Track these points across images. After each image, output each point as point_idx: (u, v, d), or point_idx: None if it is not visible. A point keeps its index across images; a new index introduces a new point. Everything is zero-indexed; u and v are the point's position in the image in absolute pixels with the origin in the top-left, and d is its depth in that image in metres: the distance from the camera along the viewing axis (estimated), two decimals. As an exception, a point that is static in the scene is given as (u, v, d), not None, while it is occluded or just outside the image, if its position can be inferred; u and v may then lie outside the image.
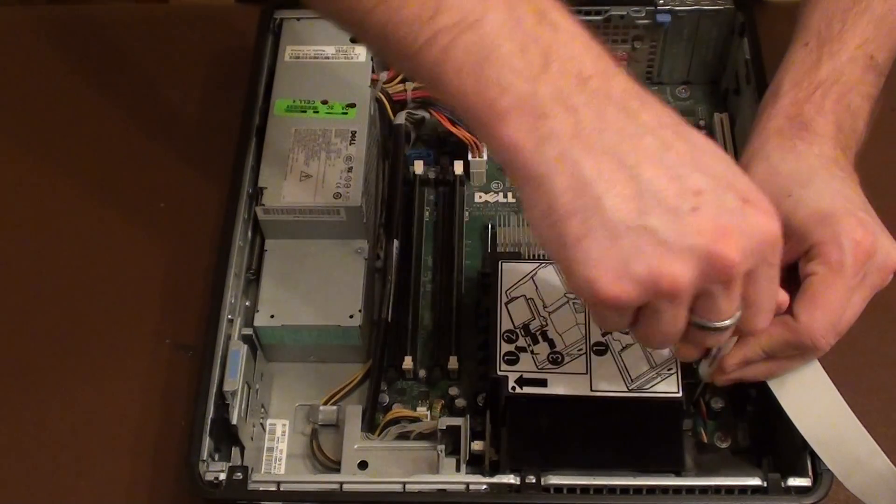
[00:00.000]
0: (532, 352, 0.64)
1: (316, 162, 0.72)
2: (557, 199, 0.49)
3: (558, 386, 0.63)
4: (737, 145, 0.79)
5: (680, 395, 0.63)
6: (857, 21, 0.66)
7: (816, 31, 0.66)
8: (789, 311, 0.58)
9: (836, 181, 0.61)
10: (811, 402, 0.62)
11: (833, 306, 0.58)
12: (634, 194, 0.48)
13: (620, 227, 0.48)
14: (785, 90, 0.65)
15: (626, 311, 0.51)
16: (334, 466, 0.67)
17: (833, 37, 0.65)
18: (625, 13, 0.81)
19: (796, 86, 0.65)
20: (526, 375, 0.64)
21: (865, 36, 0.65)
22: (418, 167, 0.80)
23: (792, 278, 0.59)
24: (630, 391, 0.63)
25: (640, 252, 0.48)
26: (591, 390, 0.63)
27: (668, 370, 0.63)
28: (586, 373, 0.64)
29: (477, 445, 0.66)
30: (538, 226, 0.50)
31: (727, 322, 0.52)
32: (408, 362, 0.71)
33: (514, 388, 0.63)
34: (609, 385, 0.63)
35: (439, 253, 0.77)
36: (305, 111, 0.75)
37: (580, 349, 0.64)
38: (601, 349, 0.64)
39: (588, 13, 0.80)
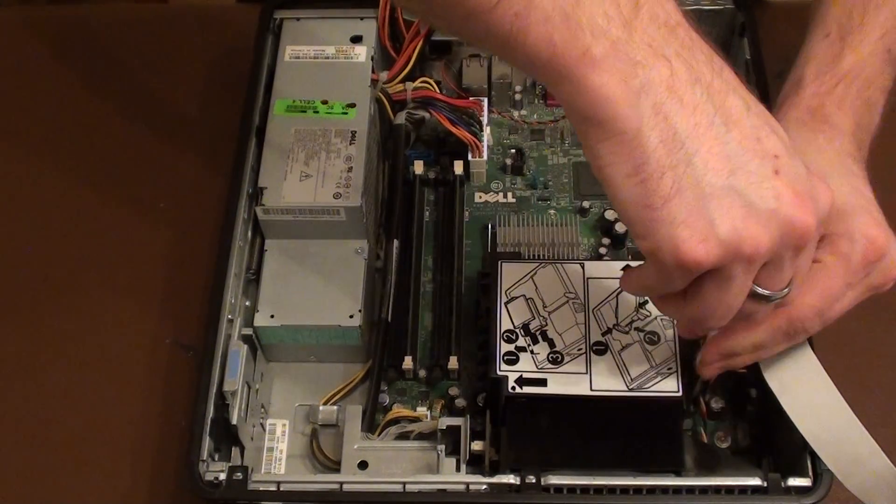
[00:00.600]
0: (532, 352, 0.64)
1: (316, 162, 0.72)
2: (650, 154, 0.47)
3: (558, 386, 0.63)
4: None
5: (680, 394, 0.63)
6: (877, 13, 0.65)
7: (837, 22, 0.66)
8: None
9: (853, 178, 0.61)
10: (811, 402, 0.62)
11: (826, 293, 0.58)
12: (723, 154, 0.48)
13: (709, 187, 0.47)
14: (808, 81, 0.64)
15: (694, 275, 0.50)
16: (334, 466, 0.67)
17: (854, 28, 0.65)
18: (625, 13, 0.80)
19: (818, 77, 0.64)
20: (526, 375, 0.64)
21: (886, 27, 0.65)
22: (418, 167, 0.80)
23: None
24: (630, 391, 0.63)
25: (727, 213, 0.48)
26: (591, 390, 0.63)
27: (668, 369, 0.63)
28: (586, 372, 0.64)
29: (477, 445, 0.66)
30: (621, 185, 0.48)
31: (784, 291, 0.52)
32: (408, 362, 0.71)
33: (513, 387, 0.63)
34: (609, 384, 0.63)
35: (439, 253, 0.77)
36: (305, 111, 0.75)
37: (580, 349, 0.64)
38: (601, 349, 0.64)
39: (588, 13, 0.80)
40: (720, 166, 0.48)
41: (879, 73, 0.65)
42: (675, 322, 0.64)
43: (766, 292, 0.52)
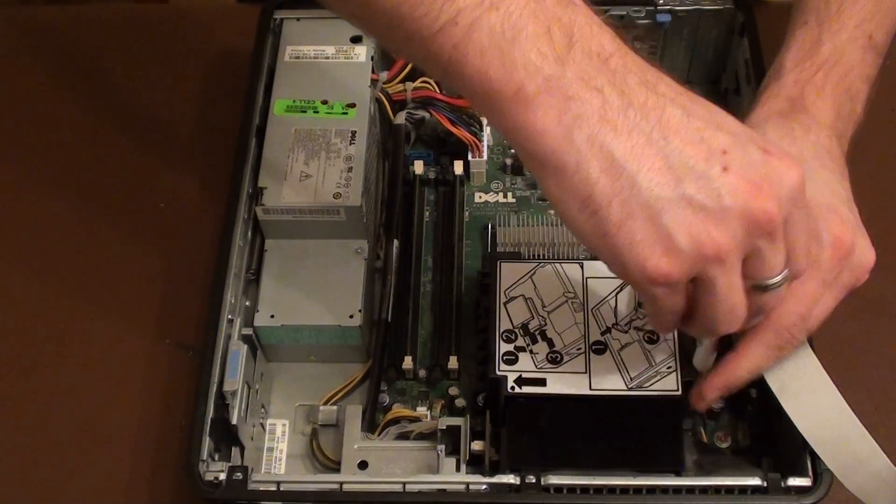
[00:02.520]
0: (531, 351, 0.64)
1: (316, 162, 0.72)
2: (594, 186, 0.48)
3: (557, 385, 0.63)
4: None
5: (679, 392, 0.63)
6: (854, 0, 0.65)
7: (815, 9, 0.66)
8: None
9: (825, 173, 0.60)
10: (811, 402, 0.62)
11: (804, 298, 0.58)
12: (666, 167, 0.48)
13: (659, 202, 0.48)
14: (787, 69, 0.65)
15: (679, 289, 0.51)
16: (334, 466, 0.67)
17: (832, 15, 0.65)
18: (625, 13, 0.81)
19: (798, 65, 0.64)
20: (525, 375, 0.64)
21: (864, 15, 0.65)
22: (418, 167, 0.80)
23: None
24: (629, 389, 0.63)
25: (682, 222, 0.48)
26: (591, 389, 0.63)
27: (668, 368, 0.63)
28: (585, 372, 0.64)
29: (477, 445, 0.66)
30: (575, 219, 0.50)
31: (781, 276, 0.52)
32: (408, 362, 0.71)
33: (513, 387, 0.63)
34: (608, 384, 0.63)
35: (439, 253, 0.77)
36: (305, 111, 0.75)
37: (579, 348, 0.64)
38: (600, 348, 0.64)
39: (588, 13, 0.80)
40: (666, 179, 0.48)
41: (860, 61, 0.64)
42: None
43: (764, 282, 0.52)
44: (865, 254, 0.59)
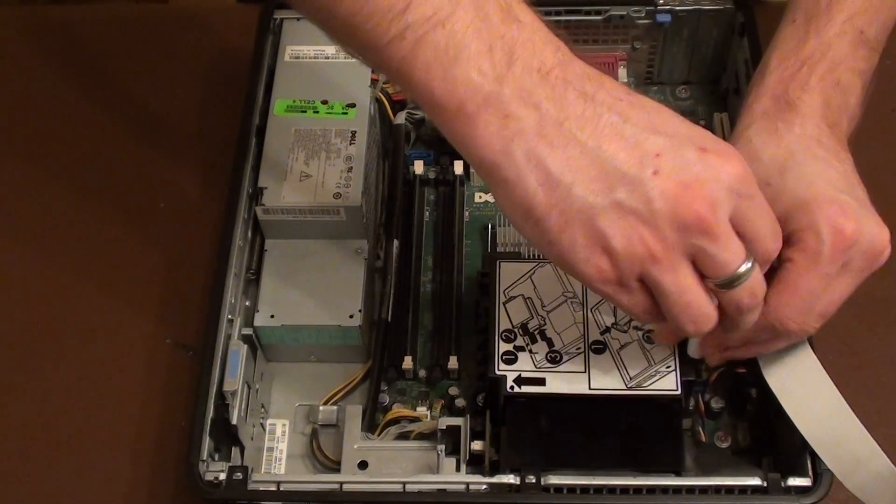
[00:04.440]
0: (530, 351, 0.64)
1: (316, 162, 0.73)
2: (532, 198, 0.50)
3: (557, 385, 0.63)
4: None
5: (679, 392, 0.63)
6: None
7: (804, 7, 0.66)
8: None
9: (816, 163, 0.60)
10: (811, 402, 0.62)
11: (803, 293, 0.57)
12: (600, 174, 0.50)
13: (594, 209, 0.50)
14: (771, 68, 0.65)
15: (631, 289, 0.52)
16: (334, 466, 0.67)
17: (820, 12, 0.65)
18: (625, 13, 0.81)
19: (782, 63, 0.64)
20: (524, 374, 0.64)
21: (853, 10, 0.64)
22: (418, 167, 0.80)
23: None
24: (629, 389, 0.63)
25: (616, 226, 0.50)
26: (590, 389, 0.63)
27: (667, 368, 0.63)
28: (585, 371, 0.64)
29: (477, 445, 0.66)
30: (522, 227, 0.52)
31: (741, 269, 0.52)
32: (408, 362, 0.71)
33: (512, 387, 0.63)
34: (607, 383, 0.63)
35: (439, 253, 0.77)
36: (305, 111, 0.75)
37: (578, 348, 0.64)
38: (599, 347, 0.64)
39: (588, 13, 0.81)
40: (600, 186, 0.50)
41: (849, 55, 0.64)
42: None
43: (721, 279, 0.52)
44: (875, 235, 0.58)
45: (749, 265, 0.53)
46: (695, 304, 0.53)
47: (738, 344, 0.61)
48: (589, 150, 0.50)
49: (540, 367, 0.64)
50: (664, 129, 0.51)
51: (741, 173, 0.51)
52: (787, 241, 0.58)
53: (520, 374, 0.64)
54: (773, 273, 0.58)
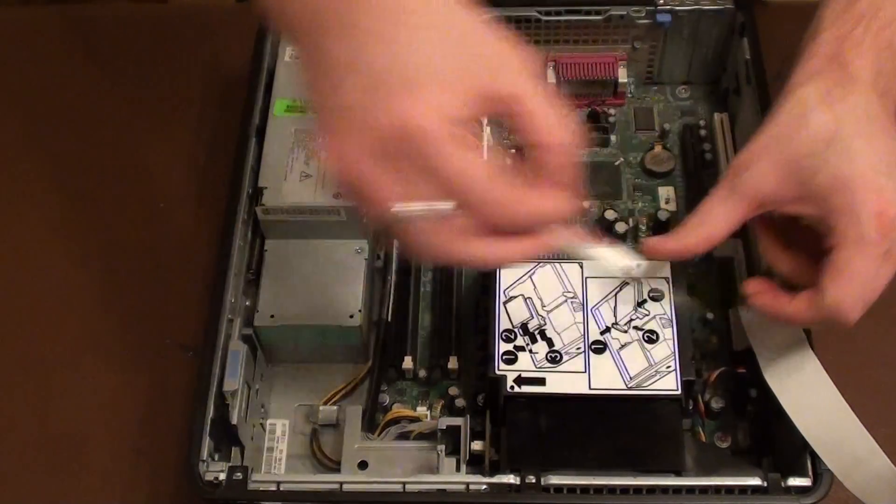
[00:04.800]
0: (530, 351, 0.64)
1: (316, 162, 0.72)
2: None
3: (557, 384, 0.63)
4: (737, 145, 0.78)
5: (679, 392, 0.63)
6: None
7: None
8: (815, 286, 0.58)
9: (861, 140, 0.59)
10: (811, 401, 0.62)
11: (860, 278, 0.57)
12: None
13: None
14: (825, 26, 0.62)
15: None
16: (334, 466, 0.67)
17: None
18: (625, 13, 0.81)
19: (836, 21, 0.62)
20: (524, 374, 0.64)
21: None
22: (418, 167, 0.79)
23: (812, 247, 0.59)
24: (629, 389, 0.63)
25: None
26: (590, 388, 0.63)
27: (667, 368, 0.64)
28: (585, 371, 0.64)
29: (477, 445, 0.66)
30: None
31: (403, 209, 0.50)
32: (408, 362, 0.71)
33: (512, 387, 0.63)
34: (608, 383, 0.63)
35: (439, 253, 0.77)
36: (305, 111, 0.75)
37: (578, 348, 0.65)
38: (600, 347, 0.64)
39: (588, 13, 0.80)
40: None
41: None
42: None
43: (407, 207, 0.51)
44: None
45: (414, 209, 0.51)
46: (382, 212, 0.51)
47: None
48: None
49: (540, 367, 0.64)
50: (373, 64, 0.50)
51: (400, 129, 0.50)
52: (828, 225, 0.58)
53: (520, 374, 0.64)
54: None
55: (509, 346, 0.65)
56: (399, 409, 0.70)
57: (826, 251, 0.58)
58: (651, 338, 0.65)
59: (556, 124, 0.53)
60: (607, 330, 0.65)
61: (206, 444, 0.63)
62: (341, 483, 0.62)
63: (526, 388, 0.63)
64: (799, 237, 0.62)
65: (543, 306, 0.66)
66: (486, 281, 0.70)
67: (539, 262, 0.68)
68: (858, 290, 0.57)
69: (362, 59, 0.51)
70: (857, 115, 0.60)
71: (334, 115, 0.51)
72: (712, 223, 0.61)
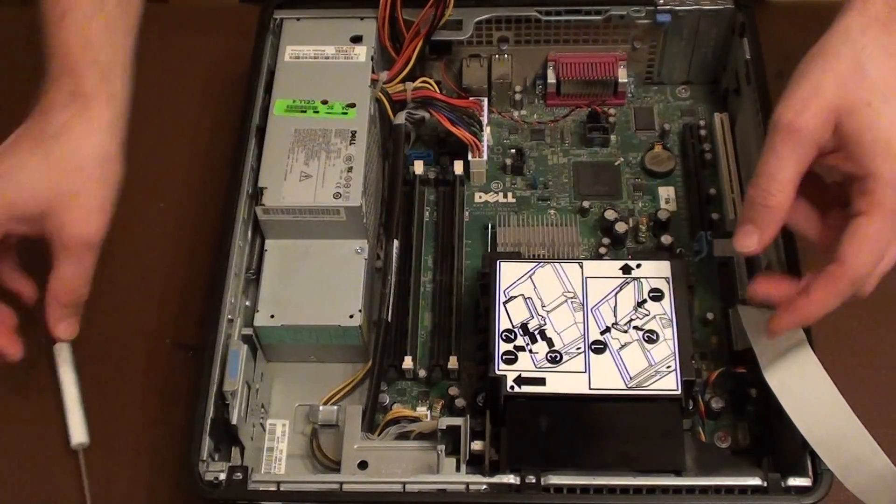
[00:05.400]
0: (530, 351, 0.64)
1: (316, 162, 0.73)
2: None
3: (557, 384, 0.63)
4: (737, 145, 0.79)
5: (679, 392, 0.63)
6: None
7: None
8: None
9: None
10: (811, 401, 0.62)
11: (875, 245, 0.57)
12: None
13: None
14: None
15: None
16: (334, 466, 0.67)
17: None
18: (625, 13, 0.81)
19: None
20: (524, 374, 0.64)
21: None
22: (418, 167, 0.80)
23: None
24: (629, 388, 0.63)
25: None
26: (590, 388, 0.63)
27: (667, 368, 0.64)
28: (585, 371, 0.64)
29: (477, 445, 0.66)
30: None
31: None
32: (408, 362, 0.71)
33: (512, 387, 0.63)
34: (608, 383, 0.63)
35: (439, 253, 0.77)
36: (305, 111, 0.75)
37: (578, 348, 0.65)
38: (600, 347, 0.64)
39: (588, 13, 0.81)
40: None
41: None
42: None
43: None
44: None
45: None
46: None
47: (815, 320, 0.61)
48: None
49: (540, 367, 0.64)
50: None
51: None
52: (861, 187, 0.57)
53: (520, 374, 0.64)
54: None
55: (509, 346, 0.65)
56: (399, 409, 0.70)
57: (851, 215, 0.57)
58: (651, 338, 0.65)
59: None
60: (607, 330, 0.65)
61: (206, 444, 0.63)
62: (341, 483, 0.62)
63: (526, 388, 0.63)
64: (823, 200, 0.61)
65: (543, 306, 0.66)
66: (486, 281, 0.70)
67: (539, 262, 0.68)
68: (875, 256, 0.57)
69: None
70: None
71: None
72: (790, 188, 0.59)
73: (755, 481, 0.61)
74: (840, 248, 0.58)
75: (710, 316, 0.73)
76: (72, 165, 0.64)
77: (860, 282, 0.59)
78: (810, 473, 0.61)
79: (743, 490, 0.61)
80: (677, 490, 0.61)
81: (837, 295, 0.59)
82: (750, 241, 0.61)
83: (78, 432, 0.70)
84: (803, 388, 0.62)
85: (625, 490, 0.61)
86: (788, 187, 0.59)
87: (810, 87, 0.58)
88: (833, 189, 0.61)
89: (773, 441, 0.66)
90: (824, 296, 0.59)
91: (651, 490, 0.61)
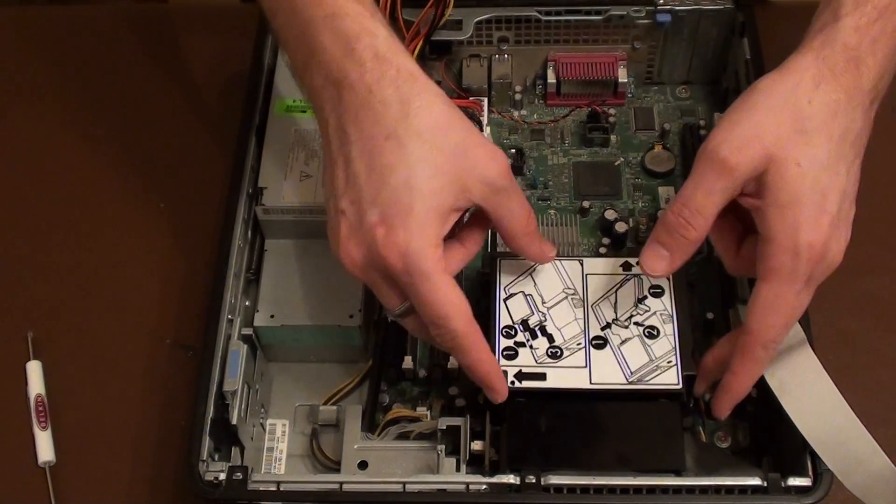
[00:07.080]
0: (531, 347, 0.65)
1: (316, 162, 0.73)
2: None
3: (557, 379, 0.63)
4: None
5: (680, 386, 0.63)
6: None
7: None
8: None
9: (834, 166, 0.58)
10: (811, 401, 0.62)
11: (784, 310, 0.59)
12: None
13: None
14: (847, 10, 0.59)
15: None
16: (334, 466, 0.67)
17: None
18: (625, 13, 0.81)
19: (858, 8, 0.59)
20: (525, 370, 0.64)
21: None
22: (418, 167, 0.79)
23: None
24: (630, 384, 0.63)
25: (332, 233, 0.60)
26: (591, 383, 0.63)
27: (668, 363, 0.63)
28: (585, 366, 0.64)
29: (477, 445, 0.66)
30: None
31: (394, 312, 0.61)
32: (408, 362, 0.71)
33: (513, 382, 0.63)
34: (608, 378, 0.63)
35: (439, 253, 0.77)
36: (305, 111, 0.75)
37: (579, 343, 0.65)
38: (600, 343, 0.64)
39: (588, 13, 0.81)
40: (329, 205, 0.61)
41: None
42: None
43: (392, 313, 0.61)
44: (836, 256, 0.59)
45: (397, 311, 0.61)
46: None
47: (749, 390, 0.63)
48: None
49: (541, 363, 0.64)
50: (360, 191, 0.58)
51: (393, 260, 0.57)
52: (759, 246, 0.58)
53: (520, 370, 0.64)
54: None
55: (510, 343, 0.65)
56: (399, 409, 0.70)
57: (758, 256, 0.58)
58: (652, 333, 0.65)
59: (519, 228, 0.62)
60: (608, 326, 0.65)
61: (206, 444, 0.63)
62: (341, 483, 0.62)
63: (526, 384, 0.63)
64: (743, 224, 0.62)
65: (544, 303, 0.66)
66: (486, 278, 0.70)
67: (539, 261, 0.68)
68: (783, 321, 0.59)
69: (358, 168, 0.58)
70: (845, 135, 0.59)
71: (335, 216, 0.59)
72: (711, 221, 0.60)
73: (755, 481, 0.61)
74: (746, 317, 0.59)
75: (710, 316, 0.73)
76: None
77: (774, 344, 0.60)
78: (810, 473, 0.61)
79: (743, 490, 0.61)
80: (677, 490, 0.61)
81: (757, 362, 0.60)
82: (659, 265, 0.62)
83: (45, 451, 0.70)
84: (803, 388, 0.62)
85: (625, 490, 0.61)
86: (710, 220, 0.60)
87: (752, 128, 0.58)
88: (750, 216, 0.61)
89: (773, 441, 0.66)
90: (747, 368, 0.61)
91: (651, 490, 0.61)
